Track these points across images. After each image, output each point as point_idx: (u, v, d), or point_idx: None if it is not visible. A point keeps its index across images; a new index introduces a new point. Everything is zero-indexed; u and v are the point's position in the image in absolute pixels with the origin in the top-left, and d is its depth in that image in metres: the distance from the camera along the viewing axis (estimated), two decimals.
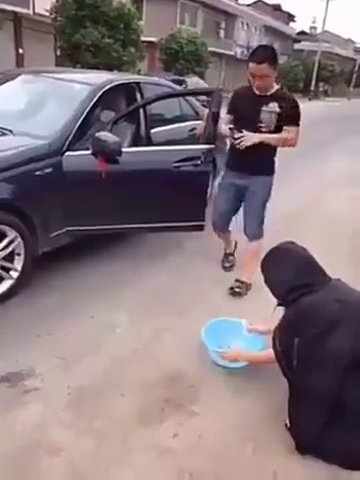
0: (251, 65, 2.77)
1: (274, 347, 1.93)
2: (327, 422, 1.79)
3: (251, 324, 2.48)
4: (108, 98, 3.51)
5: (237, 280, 3.25)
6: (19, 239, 2.78)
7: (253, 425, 2.01)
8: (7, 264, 2.79)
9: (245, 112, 2.94)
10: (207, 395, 2.18)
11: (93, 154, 3.02)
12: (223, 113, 3.13)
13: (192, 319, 2.78)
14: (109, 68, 15.34)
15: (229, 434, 1.95)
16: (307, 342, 1.78)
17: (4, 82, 3.86)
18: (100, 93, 3.38)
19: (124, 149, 3.06)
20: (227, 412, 2.08)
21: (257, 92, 2.91)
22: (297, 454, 1.86)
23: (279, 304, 2.00)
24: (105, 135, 3.01)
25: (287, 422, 1.93)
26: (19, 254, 2.84)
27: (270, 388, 2.22)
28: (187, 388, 2.21)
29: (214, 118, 3.37)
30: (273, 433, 1.96)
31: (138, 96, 3.88)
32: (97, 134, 3.00)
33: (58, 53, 19.00)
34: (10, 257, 2.80)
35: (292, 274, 1.92)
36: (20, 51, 18.42)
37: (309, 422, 1.81)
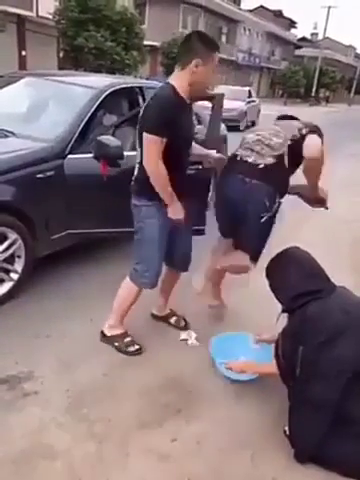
0: (215, 55, 2.12)
1: (276, 355, 1.92)
2: (329, 431, 1.78)
3: (259, 335, 2.45)
4: (110, 102, 3.52)
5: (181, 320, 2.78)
6: (20, 241, 2.79)
7: (252, 431, 2.01)
8: (7, 266, 2.80)
9: (185, 131, 2.21)
10: (206, 401, 2.18)
11: (95, 157, 3.02)
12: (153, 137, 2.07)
13: (192, 323, 2.79)
14: (111, 71, 15.40)
15: (228, 440, 1.94)
16: (312, 350, 1.77)
17: (8, 84, 3.87)
18: (103, 97, 3.38)
19: (126, 152, 3.06)
20: (226, 418, 2.08)
21: (187, 99, 2.19)
22: (296, 462, 1.86)
23: (284, 311, 1.99)
24: (107, 139, 3.01)
25: (286, 429, 1.93)
26: (19, 256, 2.84)
27: (270, 394, 2.22)
28: (186, 393, 2.21)
29: (216, 123, 3.39)
30: (272, 440, 1.96)
31: (140, 100, 3.90)
32: (99, 137, 3.00)
33: (61, 55, 19.06)
34: (10, 259, 2.80)
35: (298, 280, 1.91)
36: (23, 53, 18.46)
37: (310, 431, 1.81)
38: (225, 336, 2.53)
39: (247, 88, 17.70)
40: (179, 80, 2.13)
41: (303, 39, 55.74)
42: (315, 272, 1.96)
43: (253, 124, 15.28)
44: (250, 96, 16.95)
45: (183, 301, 3.01)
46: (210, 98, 3.59)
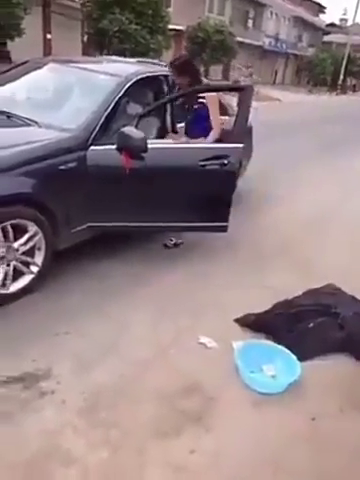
0: None
1: None
2: None
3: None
4: (135, 90, 3.41)
5: None
6: (40, 234, 2.73)
7: (275, 443, 1.93)
8: (28, 259, 2.75)
9: None
10: (227, 408, 2.10)
11: (117, 149, 2.94)
12: None
13: (211, 323, 2.72)
14: (135, 55, 15.17)
15: (249, 453, 1.87)
16: None
17: (32, 71, 3.79)
18: (128, 85, 3.28)
19: (150, 145, 2.96)
20: (248, 428, 2.00)
21: None
22: (321, 477, 1.77)
23: None
24: (130, 130, 2.92)
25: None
26: (40, 249, 2.79)
27: (294, 402, 2.15)
28: (206, 400, 2.13)
29: (244, 115, 3.25)
30: (296, 454, 1.88)
31: (165, 89, 3.78)
32: (122, 129, 2.91)
33: (85, 39, 18.90)
34: (30, 252, 2.75)
35: None
36: (48, 37, 18.35)
37: None
38: (251, 344, 2.45)
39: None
40: None
41: (332, 25, 53.98)
42: None
43: None
44: None
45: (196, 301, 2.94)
46: (239, 89, 3.46)
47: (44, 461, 1.73)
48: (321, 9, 52.54)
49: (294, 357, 2.31)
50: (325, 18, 53.96)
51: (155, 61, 4.42)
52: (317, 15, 50.10)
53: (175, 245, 3.72)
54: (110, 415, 1.99)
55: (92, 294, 2.90)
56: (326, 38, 49.84)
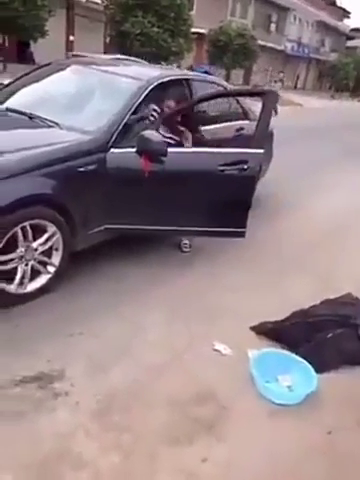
0: None
1: None
2: None
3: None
4: (157, 94, 3.42)
5: None
6: (58, 234, 2.75)
7: (290, 456, 1.89)
8: (45, 259, 2.77)
9: None
10: (241, 418, 2.07)
11: (137, 152, 2.94)
12: None
13: (226, 329, 2.70)
14: (156, 58, 15.25)
15: (263, 465, 1.83)
16: None
17: (54, 72, 3.83)
18: (149, 89, 3.29)
19: (169, 149, 2.96)
20: (262, 439, 1.96)
21: None
22: None
23: None
24: (151, 134, 2.92)
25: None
26: (57, 249, 2.81)
27: (310, 414, 2.10)
28: (219, 408, 2.10)
29: (266, 120, 3.22)
30: (312, 467, 1.84)
31: (187, 93, 3.78)
32: (143, 133, 2.92)
33: (107, 41, 19.10)
34: (48, 252, 2.77)
35: None
36: (71, 38, 18.60)
37: None
38: (267, 353, 2.41)
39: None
40: None
41: (356, 30, 53.34)
42: None
43: None
44: None
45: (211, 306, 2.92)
46: (260, 94, 3.43)
47: (56, 463, 1.72)
48: (345, 14, 52.02)
49: (311, 368, 2.27)
50: (349, 23, 53.42)
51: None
52: (341, 20, 49.61)
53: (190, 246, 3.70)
54: (123, 419, 1.98)
55: (107, 294, 2.90)
56: (350, 43, 49.33)
